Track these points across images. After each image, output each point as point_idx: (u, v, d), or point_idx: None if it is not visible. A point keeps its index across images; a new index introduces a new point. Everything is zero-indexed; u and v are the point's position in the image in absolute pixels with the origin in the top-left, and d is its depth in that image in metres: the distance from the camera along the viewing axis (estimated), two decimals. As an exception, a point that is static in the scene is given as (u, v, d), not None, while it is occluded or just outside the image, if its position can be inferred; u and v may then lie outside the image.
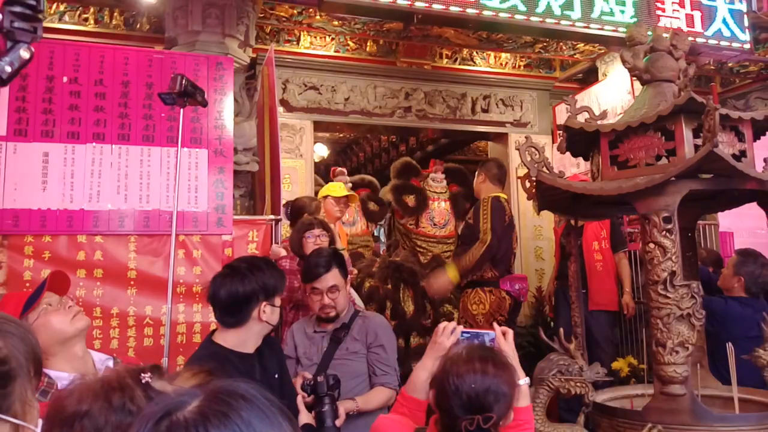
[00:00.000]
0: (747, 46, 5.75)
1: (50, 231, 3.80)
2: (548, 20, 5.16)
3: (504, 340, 2.13)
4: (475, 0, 4.93)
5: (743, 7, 5.73)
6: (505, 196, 4.84)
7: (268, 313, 2.49)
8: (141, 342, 3.86)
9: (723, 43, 5.65)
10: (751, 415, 2.51)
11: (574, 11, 5.21)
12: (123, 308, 3.87)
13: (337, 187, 5.12)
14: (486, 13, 4.98)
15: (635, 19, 5.32)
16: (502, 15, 5.02)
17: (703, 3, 5.63)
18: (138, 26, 6.04)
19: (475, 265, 4.53)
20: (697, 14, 5.59)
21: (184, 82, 3.33)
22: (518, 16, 5.06)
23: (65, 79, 3.92)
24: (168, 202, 3.97)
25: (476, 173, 5.01)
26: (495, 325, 2.26)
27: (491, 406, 1.74)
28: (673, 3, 5.54)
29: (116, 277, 3.87)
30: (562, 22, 5.18)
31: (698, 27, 5.57)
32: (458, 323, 4.81)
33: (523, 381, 2.04)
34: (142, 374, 1.26)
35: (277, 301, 2.56)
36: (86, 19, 5.96)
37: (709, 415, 2.43)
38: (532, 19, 5.12)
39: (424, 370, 2.06)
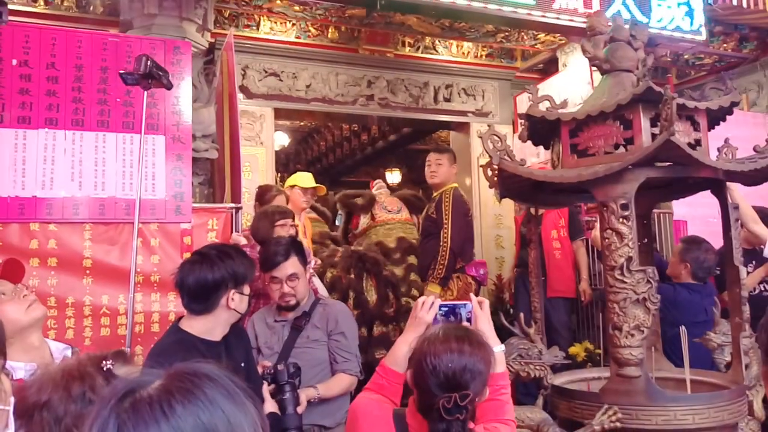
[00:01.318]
0: (702, 38, 5.88)
1: (1, 219, 3.69)
2: (505, 9, 5.21)
3: (480, 310, 2.17)
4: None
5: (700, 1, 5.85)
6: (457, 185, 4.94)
7: (236, 301, 2.47)
8: (98, 332, 3.79)
9: (680, 35, 5.76)
10: (702, 395, 2.59)
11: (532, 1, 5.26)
12: (78, 298, 3.78)
13: (306, 178, 5.08)
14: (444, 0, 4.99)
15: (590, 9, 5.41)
16: (459, 2, 5.03)
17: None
18: (91, 9, 5.86)
19: (447, 269, 4.73)
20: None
21: (149, 63, 3.25)
22: (475, 4, 5.09)
23: (14, 62, 3.80)
24: (124, 190, 3.89)
25: (445, 160, 5.02)
26: (471, 295, 2.35)
27: (468, 384, 1.77)
28: None
29: (71, 266, 3.78)
30: (519, 10, 5.23)
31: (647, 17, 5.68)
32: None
33: (498, 348, 2.10)
34: (104, 361, 1.24)
35: (246, 289, 2.53)
36: (36, 0, 5.77)
37: (663, 396, 2.49)
38: (489, 6, 5.16)
39: (405, 344, 2.07)
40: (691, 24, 5.85)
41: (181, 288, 2.45)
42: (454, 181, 4.90)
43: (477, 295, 4.83)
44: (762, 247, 5.04)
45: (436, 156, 5.06)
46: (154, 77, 3.31)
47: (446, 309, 2.21)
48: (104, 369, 1.24)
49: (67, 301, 3.75)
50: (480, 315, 2.16)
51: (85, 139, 3.89)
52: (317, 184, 5.20)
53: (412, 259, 5.54)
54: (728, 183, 2.79)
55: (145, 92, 3.39)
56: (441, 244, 4.73)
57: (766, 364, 1.10)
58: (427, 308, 2.17)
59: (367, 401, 2.07)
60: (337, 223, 6.56)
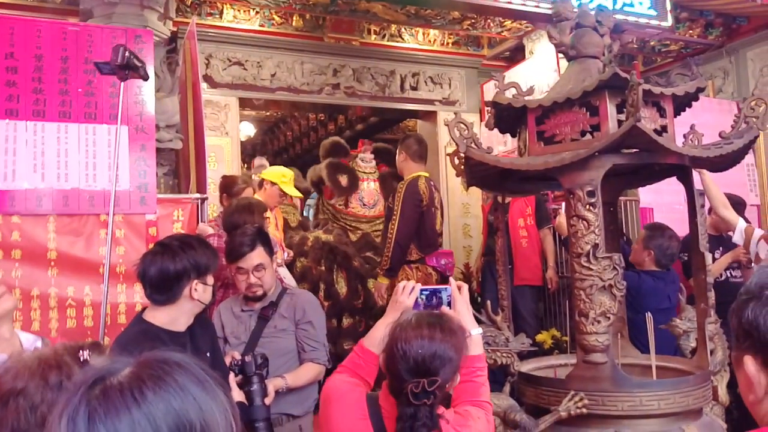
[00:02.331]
0: (668, 24, 5.94)
1: (-37, 212, 3.62)
2: None
3: (459, 294, 2.23)
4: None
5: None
6: (427, 174, 4.87)
7: (200, 291, 2.48)
8: (63, 324, 3.74)
9: (646, 21, 5.83)
10: (667, 381, 2.61)
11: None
12: (44, 290, 3.72)
13: (289, 184, 5.02)
14: None
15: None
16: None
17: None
18: (50, -3, 5.74)
19: (393, 260, 4.67)
20: None
21: (127, 54, 3.20)
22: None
23: (-29, 51, 3.70)
24: (87, 181, 3.83)
25: (397, 151, 5.01)
26: (451, 279, 2.41)
27: (437, 371, 1.80)
28: None
29: (35, 258, 3.72)
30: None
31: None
32: (388, 301, 4.91)
33: (476, 331, 2.18)
34: (81, 351, 1.24)
35: (210, 279, 2.54)
36: (-7, -11, 5.63)
37: (629, 382, 2.51)
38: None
39: (383, 326, 2.08)
40: (650, 7, 5.91)
41: (143, 279, 2.45)
42: (417, 171, 4.87)
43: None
44: (729, 233, 5.14)
45: (397, 149, 5.07)
46: (132, 68, 3.27)
47: (427, 293, 2.28)
48: (81, 359, 1.23)
49: (32, 294, 3.70)
50: (458, 299, 2.22)
51: (47, 129, 3.81)
52: (299, 194, 5.22)
53: (368, 253, 5.58)
54: (700, 168, 2.82)
55: (122, 83, 3.33)
56: (388, 235, 4.74)
57: (737, 349, 1.11)
58: (408, 292, 2.23)
59: (340, 383, 2.09)
60: (309, 202, 6.55)
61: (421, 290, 2.26)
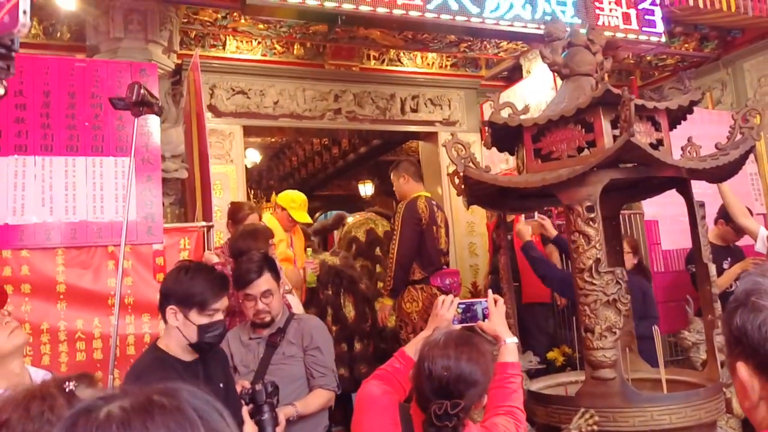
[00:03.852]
0: (663, 39, 6.00)
1: (-27, 247, 3.65)
2: (473, 20, 5.30)
3: (494, 307, 2.37)
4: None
5: (658, 3, 5.98)
6: (427, 194, 4.93)
7: (179, 321, 2.43)
8: (73, 357, 3.75)
9: (640, 38, 5.92)
10: (678, 395, 2.59)
11: (498, 9, 5.37)
12: (53, 323, 3.74)
13: (300, 211, 5.07)
14: (396, 12, 5.07)
15: (577, 20, 5.53)
16: (413, 14, 5.10)
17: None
18: (58, 35, 5.85)
19: (395, 281, 4.72)
20: (632, 12, 5.91)
21: (142, 91, 3.24)
22: (429, 15, 5.17)
23: (-18, 91, 3.77)
24: (95, 213, 3.87)
25: (394, 178, 5.07)
26: (489, 292, 2.50)
27: (461, 394, 1.82)
28: (610, 2, 5.84)
29: (45, 291, 3.74)
30: (473, 19, 5.34)
31: (635, 24, 5.89)
32: (396, 323, 4.94)
33: (510, 340, 2.31)
34: (67, 382, 1.24)
35: (194, 316, 2.44)
36: (1, 29, 5.73)
37: (639, 397, 2.50)
38: (458, 18, 5.25)
39: (424, 338, 2.14)
40: (656, 25, 6.01)
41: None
42: (417, 191, 4.92)
43: None
44: (737, 244, 5.11)
45: (391, 174, 5.14)
46: (146, 104, 3.31)
47: (464, 306, 2.42)
48: (66, 390, 1.24)
49: (42, 327, 3.71)
50: (494, 311, 2.36)
51: (55, 164, 3.86)
52: (309, 220, 5.26)
53: (377, 251, 5.63)
54: (701, 180, 2.83)
55: (136, 119, 3.36)
56: (389, 256, 4.77)
57: (730, 356, 1.13)
58: (447, 306, 2.35)
59: (374, 388, 2.14)
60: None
61: (459, 303, 2.39)
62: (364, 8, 4.89)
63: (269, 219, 5.13)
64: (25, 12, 1.78)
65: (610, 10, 5.79)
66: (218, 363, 2.66)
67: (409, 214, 4.73)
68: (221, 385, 2.59)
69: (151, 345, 2.53)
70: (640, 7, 5.86)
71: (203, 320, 2.42)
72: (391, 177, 5.11)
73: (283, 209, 5.02)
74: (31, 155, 3.82)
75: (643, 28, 5.93)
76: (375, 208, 7.12)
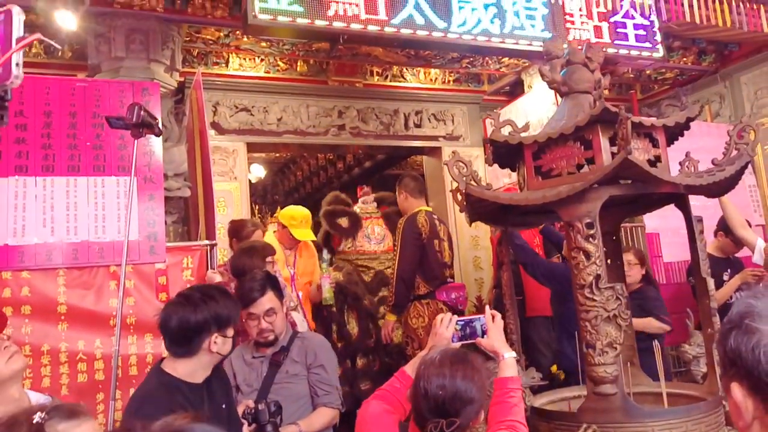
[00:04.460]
0: (660, 54, 6.03)
1: (-27, 269, 3.65)
2: (465, 37, 5.31)
3: (492, 323, 2.39)
4: (387, 19, 5.01)
5: (655, 19, 6.00)
6: (428, 209, 4.95)
7: (219, 344, 2.46)
8: (75, 379, 3.73)
9: (638, 53, 5.93)
10: (679, 409, 2.59)
11: (491, 26, 5.37)
12: (54, 345, 3.72)
13: (300, 227, 4.97)
14: (389, 29, 5.05)
15: (547, 34, 5.52)
16: (404, 31, 5.10)
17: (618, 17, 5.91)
18: (59, 54, 5.89)
19: (398, 296, 4.75)
20: (605, 25, 5.84)
21: (142, 113, 3.25)
22: (420, 32, 5.18)
23: (-17, 111, 3.79)
24: (97, 233, 3.87)
25: (397, 194, 5.10)
26: (487, 308, 2.52)
27: (457, 412, 1.85)
28: (581, 15, 5.78)
29: (46, 312, 3.72)
30: (479, 37, 5.34)
31: (606, 38, 5.81)
32: (402, 339, 4.93)
33: (509, 354, 2.32)
34: (38, 413, 1.22)
35: (230, 331, 2.52)
36: (4, 49, 5.77)
37: (640, 412, 2.50)
38: (449, 35, 5.25)
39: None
40: (653, 41, 6.01)
41: (164, 330, 2.44)
42: (418, 206, 4.94)
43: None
44: (737, 256, 5.12)
45: (397, 189, 5.16)
46: (147, 126, 3.32)
47: (463, 323, 2.44)
48: (33, 422, 1.22)
49: (43, 349, 3.69)
50: (492, 327, 2.39)
51: (56, 184, 3.87)
52: (312, 237, 5.13)
53: (384, 292, 5.57)
54: (697, 195, 2.84)
55: (136, 140, 3.37)
56: (391, 272, 4.78)
57: (725, 377, 1.15)
58: (446, 325, 2.38)
59: (374, 407, 2.17)
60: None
61: (457, 321, 2.41)
62: (356, 26, 4.91)
63: (269, 237, 5.10)
64: (17, 64, 1.81)
65: (582, 23, 5.77)
66: (220, 383, 2.66)
67: (409, 228, 4.76)
68: (224, 406, 2.60)
69: (156, 368, 2.51)
70: (612, 20, 5.85)
71: (232, 332, 2.54)
72: (396, 192, 5.14)
73: (284, 227, 4.96)
74: (32, 176, 3.83)
75: (641, 43, 5.94)
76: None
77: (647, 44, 5.97)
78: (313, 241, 5.42)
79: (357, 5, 4.90)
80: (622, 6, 5.89)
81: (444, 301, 4.74)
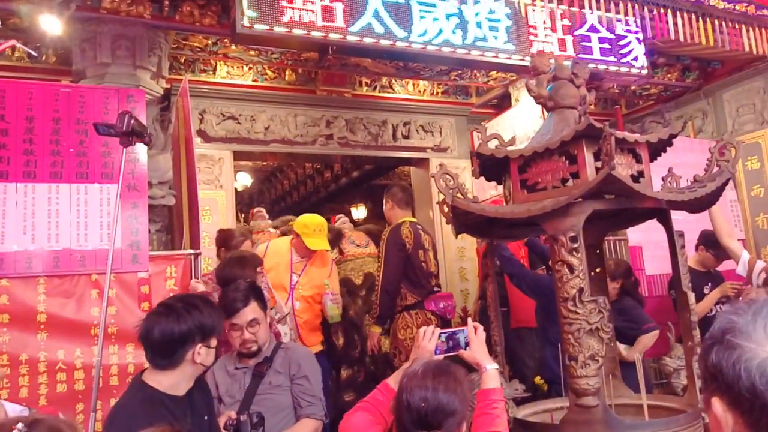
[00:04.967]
0: (645, 71, 6.10)
1: (-49, 276, 3.59)
2: (429, 48, 5.23)
3: (475, 335, 2.42)
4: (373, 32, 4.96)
5: (640, 35, 6.06)
6: (413, 219, 4.95)
7: (203, 355, 2.41)
8: (53, 389, 3.67)
9: (623, 69, 5.98)
10: (659, 421, 2.61)
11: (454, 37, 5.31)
12: (33, 354, 3.65)
13: (312, 236, 4.66)
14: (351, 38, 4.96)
15: (510, 46, 5.51)
16: (399, 44, 5.06)
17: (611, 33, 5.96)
18: (43, 58, 5.82)
19: (382, 307, 4.73)
20: (569, 38, 5.84)
21: (132, 121, 3.22)
22: (415, 45, 5.13)
23: (-38, 115, 3.75)
24: (79, 241, 3.84)
25: (384, 200, 5.12)
26: (469, 320, 2.55)
27: (440, 424, 1.86)
28: (545, 28, 5.76)
29: (24, 321, 3.67)
30: (458, 50, 5.30)
31: (570, 51, 5.78)
32: (390, 350, 4.92)
33: (491, 366, 2.36)
34: (18, 425, 1.20)
35: (214, 342, 2.47)
36: (-16, 52, 5.72)
37: (621, 424, 2.52)
38: (444, 49, 5.24)
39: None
40: (638, 57, 6.06)
41: (145, 341, 2.38)
42: (404, 217, 4.94)
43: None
44: (718, 269, 5.17)
45: (384, 197, 5.16)
46: (136, 134, 3.29)
47: (446, 335, 2.46)
48: None
49: (21, 358, 3.63)
50: (474, 339, 2.42)
51: (38, 191, 3.83)
52: (326, 247, 4.88)
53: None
54: (679, 210, 2.87)
55: (125, 148, 3.33)
56: (376, 283, 4.77)
57: (706, 391, 1.17)
58: (428, 337, 2.40)
59: (358, 419, 2.19)
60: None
61: (440, 333, 2.43)
62: (351, 38, 4.87)
63: (284, 243, 4.90)
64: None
65: (546, 35, 5.74)
66: (202, 394, 2.63)
67: (393, 240, 4.77)
68: (205, 417, 2.57)
69: (138, 382, 2.43)
70: (577, 33, 5.86)
71: (215, 342, 2.51)
72: (383, 200, 5.15)
73: (298, 236, 4.68)
74: (13, 182, 3.78)
75: (623, 60, 5.97)
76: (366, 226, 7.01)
77: (634, 60, 6.02)
78: None
79: (313, 12, 4.78)
80: (587, 20, 5.90)
81: (432, 310, 4.75)
